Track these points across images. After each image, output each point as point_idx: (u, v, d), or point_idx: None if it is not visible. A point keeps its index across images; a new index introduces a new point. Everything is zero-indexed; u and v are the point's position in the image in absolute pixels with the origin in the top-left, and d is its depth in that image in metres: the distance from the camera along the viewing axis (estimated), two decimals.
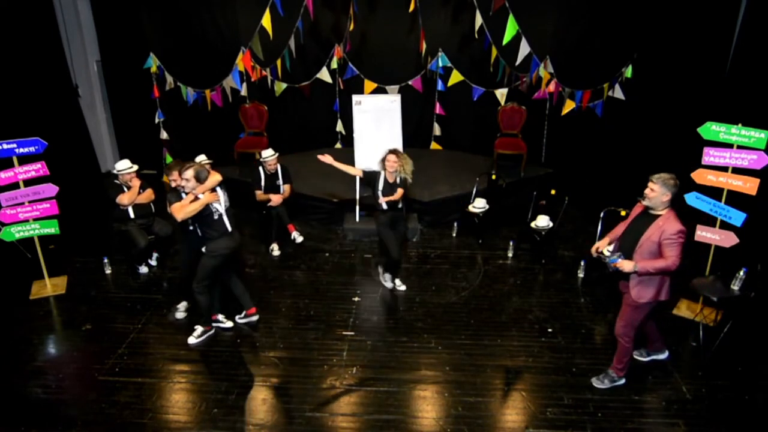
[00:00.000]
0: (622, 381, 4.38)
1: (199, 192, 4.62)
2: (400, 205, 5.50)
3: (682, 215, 5.43)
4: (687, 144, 5.72)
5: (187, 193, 4.65)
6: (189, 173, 4.56)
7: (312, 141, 9.42)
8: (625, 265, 3.88)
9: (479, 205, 6.90)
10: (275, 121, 8.67)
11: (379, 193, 5.41)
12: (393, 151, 5.40)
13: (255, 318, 5.24)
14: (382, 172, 5.43)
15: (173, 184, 4.99)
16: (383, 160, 5.41)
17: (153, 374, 4.56)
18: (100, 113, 9.20)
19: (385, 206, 5.43)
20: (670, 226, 3.80)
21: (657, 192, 3.86)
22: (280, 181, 6.62)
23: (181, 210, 4.50)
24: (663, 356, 4.65)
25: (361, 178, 5.60)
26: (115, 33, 8.51)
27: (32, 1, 6.90)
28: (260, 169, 6.58)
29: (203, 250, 4.71)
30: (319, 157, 5.47)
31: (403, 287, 5.82)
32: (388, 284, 5.86)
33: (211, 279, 4.84)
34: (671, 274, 3.92)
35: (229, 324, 5.19)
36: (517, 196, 7.54)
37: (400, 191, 5.41)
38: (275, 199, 6.54)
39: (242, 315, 5.26)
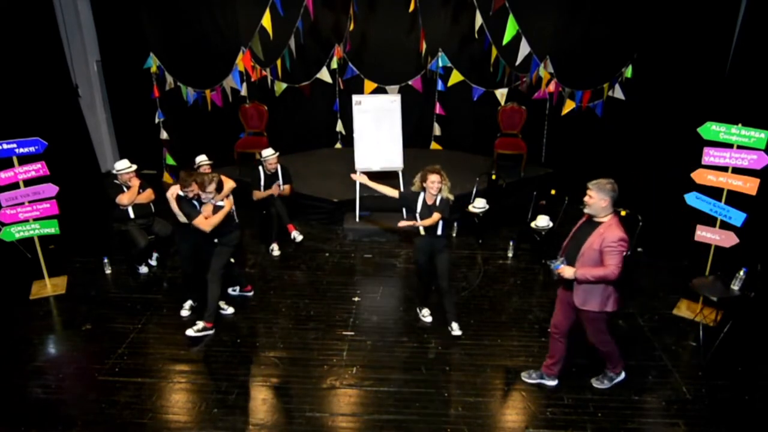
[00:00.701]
0: (622, 376, 4.36)
1: (218, 200, 4.99)
2: (439, 232, 4.82)
3: (682, 215, 5.50)
4: (687, 144, 5.72)
5: (203, 202, 4.93)
6: (212, 187, 4.88)
7: (312, 141, 9.42)
8: (566, 271, 3.83)
9: (479, 205, 6.90)
10: (275, 121, 8.67)
11: (418, 216, 4.78)
12: (434, 171, 4.71)
13: (250, 294, 5.67)
14: (422, 193, 4.80)
15: (190, 195, 4.93)
16: (423, 179, 4.75)
17: (153, 374, 4.56)
18: (100, 113, 9.20)
19: (422, 231, 4.85)
20: (610, 234, 3.69)
21: (595, 198, 3.74)
22: (280, 181, 6.62)
23: (210, 223, 4.88)
24: (552, 383, 4.37)
25: (397, 199, 4.93)
26: (115, 33, 8.51)
27: (32, 1, 6.90)
28: (260, 168, 6.58)
29: (216, 241, 5.03)
30: (353, 176, 5.26)
31: (458, 332, 4.98)
32: (427, 318, 5.25)
33: (226, 267, 5.16)
34: (612, 284, 3.79)
35: (230, 310, 5.44)
36: (517, 196, 7.54)
37: (436, 215, 4.68)
38: (274, 190, 6.53)
39: (236, 290, 5.59)
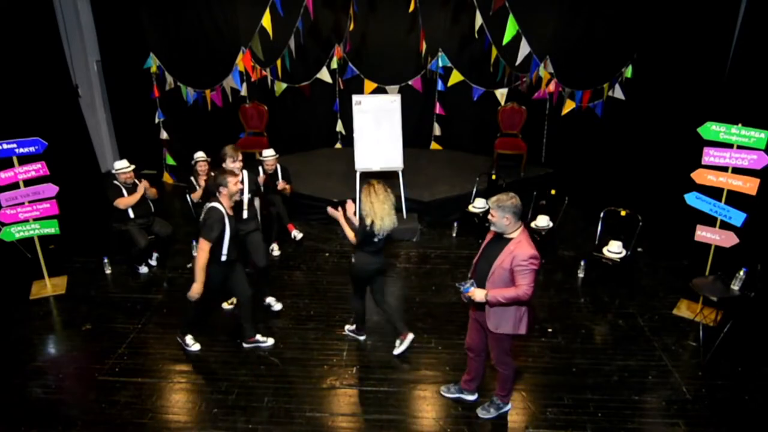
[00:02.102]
0: (508, 407, 4.13)
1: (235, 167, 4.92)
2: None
3: (683, 215, 5.51)
4: (687, 144, 5.72)
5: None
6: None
7: (312, 141, 9.43)
8: (476, 294, 3.59)
9: (479, 205, 6.90)
10: (275, 121, 8.68)
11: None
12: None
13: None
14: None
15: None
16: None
17: (153, 374, 4.56)
18: (100, 113, 9.20)
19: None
20: (521, 252, 3.49)
21: (496, 216, 3.56)
22: (280, 181, 6.62)
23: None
24: (470, 398, 4.25)
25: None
26: (115, 33, 8.51)
27: (32, 1, 6.90)
28: (259, 168, 6.58)
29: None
30: (330, 210, 4.78)
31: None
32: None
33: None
34: (525, 304, 3.62)
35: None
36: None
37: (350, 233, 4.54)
38: (279, 185, 6.51)
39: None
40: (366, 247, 4.45)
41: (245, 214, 5.12)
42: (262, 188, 5.81)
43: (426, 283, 5.94)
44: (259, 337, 4.89)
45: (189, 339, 4.88)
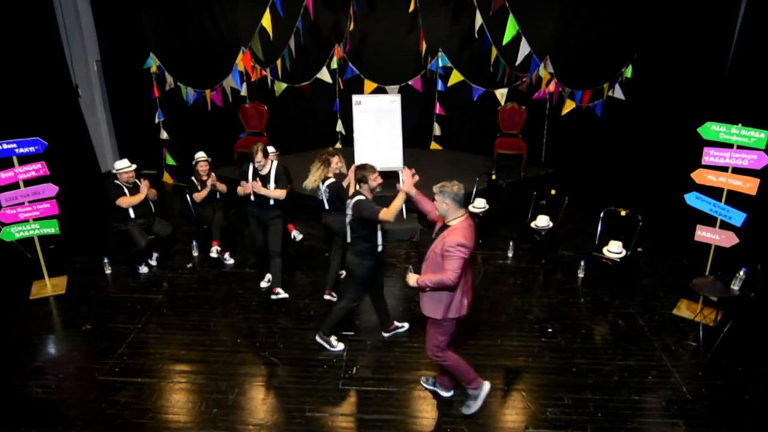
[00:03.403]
0: (484, 388, 4.05)
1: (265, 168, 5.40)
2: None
3: (683, 215, 5.51)
4: (687, 144, 5.72)
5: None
6: (259, 156, 5.27)
7: (312, 141, 9.42)
8: (410, 279, 3.70)
9: (479, 205, 6.90)
10: (275, 121, 8.68)
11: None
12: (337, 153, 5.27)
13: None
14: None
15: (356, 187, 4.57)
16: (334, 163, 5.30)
17: (153, 374, 4.56)
18: (100, 113, 9.20)
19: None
20: (451, 238, 3.52)
21: (438, 201, 3.64)
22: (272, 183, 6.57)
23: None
24: (446, 394, 4.28)
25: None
26: (115, 33, 8.52)
27: (32, 1, 6.91)
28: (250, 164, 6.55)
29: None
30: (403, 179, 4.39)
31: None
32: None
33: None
34: (450, 290, 3.63)
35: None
36: (517, 196, 7.54)
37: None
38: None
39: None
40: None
41: (271, 201, 5.41)
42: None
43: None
44: (333, 339, 4.86)
45: (334, 340, 4.86)
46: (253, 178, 5.41)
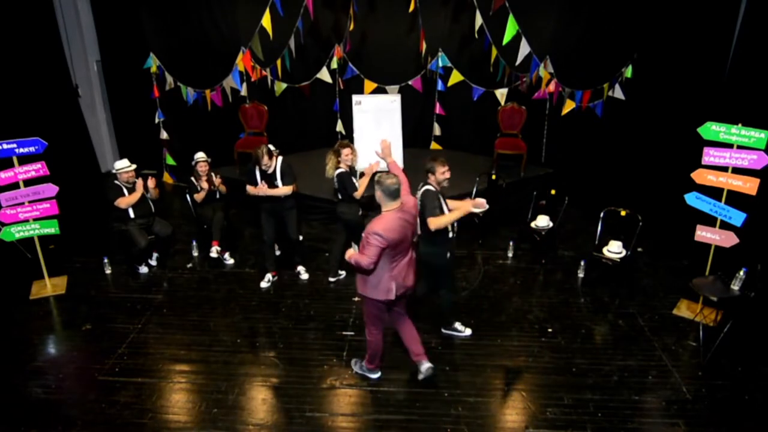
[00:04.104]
0: (375, 376, 4.44)
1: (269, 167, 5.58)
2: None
3: (683, 215, 5.50)
4: (687, 144, 5.72)
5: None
6: (266, 158, 5.45)
7: (312, 141, 9.42)
8: (347, 253, 3.97)
9: None
10: (275, 121, 8.67)
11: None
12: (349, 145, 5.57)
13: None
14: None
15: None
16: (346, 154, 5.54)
17: (153, 374, 4.56)
18: (100, 113, 9.20)
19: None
20: (371, 225, 3.74)
21: (376, 190, 3.85)
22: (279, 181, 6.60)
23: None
24: (373, 376, 4.46)
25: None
26: (115, 33, 8.51)
27: (32, 1, 6.90)
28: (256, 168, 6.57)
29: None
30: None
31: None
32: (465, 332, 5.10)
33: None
34: (365, 272, 3.86)
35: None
36: (517, 196, 7.54)
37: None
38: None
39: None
40: None
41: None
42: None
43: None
44: (458, 325, 5.04)
45: (459, 325, 5.04)
46: (261, 179, 5.55)
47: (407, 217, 3.88)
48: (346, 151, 5.53)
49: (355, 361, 4.59)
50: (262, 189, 5.54)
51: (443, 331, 5.06)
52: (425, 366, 4.27)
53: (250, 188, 5.64)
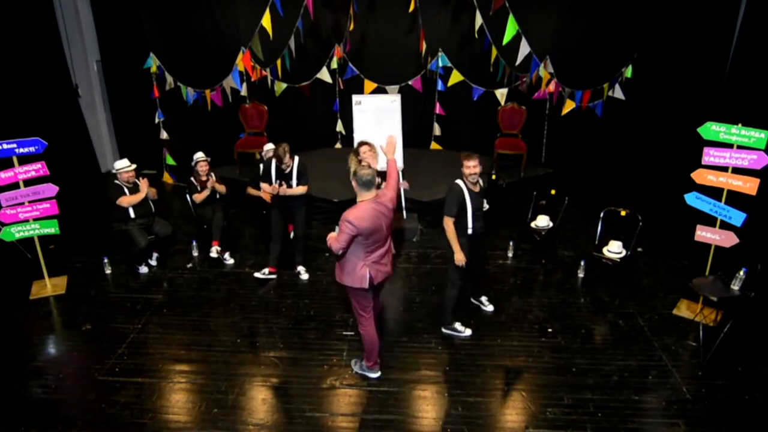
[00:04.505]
0: (374, 375, 4.48)
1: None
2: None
3: (683, 215, 5.50)
4: (687, 144, 5.72)
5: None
6: (287, 158, 5.55)
7: (312, 141, 9.42)
8: (330, 236, 4.08)
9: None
10: (275, 121, 8.67)
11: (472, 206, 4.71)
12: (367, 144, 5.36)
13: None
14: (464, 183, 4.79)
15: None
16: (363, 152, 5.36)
17: (153, 374, 4.56)
18: (100, 113, 9.20)
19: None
20: (345, 213, 3.90)
21: (352, 180, 4.03)
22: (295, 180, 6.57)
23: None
24: (373, 375, 4.49)
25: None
26: (115, 33, 8.52)
27: (32, 1, 6.90)
28: (260, 166, 6.57)
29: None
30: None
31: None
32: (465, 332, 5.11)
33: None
34: (337, 257, 4.05)
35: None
36: (517, 196, 7.54)
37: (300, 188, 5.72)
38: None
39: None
40: None
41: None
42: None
43: (426, 283, 5.94)
44: (458, 325, 5.04)
45: (459, 325, 5.03)
46: (276, 178, 5.62)
47: (381, 208, 4.01)
48: (363, 149, 5.44)
49: (355, 361, 4.62)
50: (280, 189, 5.58)
51: (443, 330, 5.06)
52: (375, 375, 4.49)
53: (265, 186, 5.69)
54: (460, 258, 4.63)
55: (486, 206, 6.83)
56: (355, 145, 5.66)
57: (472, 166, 4.66)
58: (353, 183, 4.01)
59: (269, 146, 6.57)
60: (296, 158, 5.72)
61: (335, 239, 3.93)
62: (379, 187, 4.26)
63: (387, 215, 4.08)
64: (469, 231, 4.72)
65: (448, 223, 4.66)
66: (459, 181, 4.72)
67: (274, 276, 6.01)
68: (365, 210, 3.92)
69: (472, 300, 5.49)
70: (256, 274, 5.96)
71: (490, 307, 5.42)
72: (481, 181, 4.88)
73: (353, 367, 4.58)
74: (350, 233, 3.86)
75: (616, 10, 7.33)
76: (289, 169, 5.64)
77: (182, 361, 4.73)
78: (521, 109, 8.07)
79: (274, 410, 4.17)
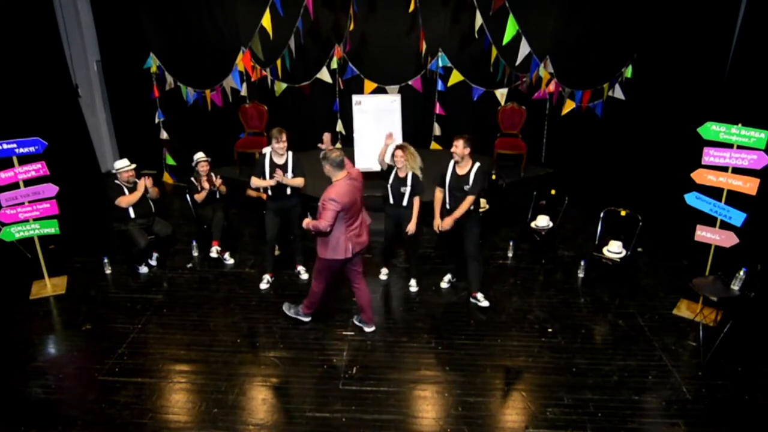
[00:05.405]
0: (307, 319, 5.15)
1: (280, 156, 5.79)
2: (405, 203, 5.40)
3: (683, 215, 5.50)
4: (687, 144, 5.72)
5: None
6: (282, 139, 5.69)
7: (312, 141, 9.40)
8: (304, 222, 4.55)
9: (480, 205, 6.88)
10: (275, 121, 8.63)
11: (388, 186, 5.46)
12: (400, 147, 5.39)
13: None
14: (395, 167, 5.42)
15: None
16: (392, 155, 5.41)
17: (153, 374, 4.56)
18: (100, 113, 9.20)
19: (392, 200, 5.50)
20: (326, 193, 4.35)
21: (324, 166, 4.48)
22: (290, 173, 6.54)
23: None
24: (369, 329, 5.07)
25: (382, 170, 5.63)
26: (115, 33, 8.51)
27: (32, 1, 6.90)
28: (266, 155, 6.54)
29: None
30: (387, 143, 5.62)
31: (415, 288, 5.84)
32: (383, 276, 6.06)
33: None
34: (324, 234, 4.46)
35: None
36: (517, 196, 7.53)
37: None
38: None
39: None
40: None
41: (288, 191, 5.69)
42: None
43: (426, 283, 5.94)
44: (479, 295, 5.52)
45: (480, 296, 5.52)
46: (271, 172, 5.55)
47: (355, 183, 4.52)
48: (397, 153, 5.36)
49: (289, 306, 5.17)
50: (279, 176, 5.44)
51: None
52: (369, 329, 5.07)
53: (260, 182, 5.58)
54: (436, 223, 5.28)
55: (486, 206, 6.86)
56: (356, 143, 5.72)
57: (453, 146, 5.10)
58: (326, 167, 4.44)
59: (268, 149, 6.56)
60: (290, 153, 5.71)
61: (321, 219, 4.33)
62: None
63: (360, 188, 4.59)
64: (447, 206, 5.27)
65: (436, 193, 5.35)
66: (452, 162, 5.21)
67: (273, 278, 6.00)
68: (342, 186, 4.39)
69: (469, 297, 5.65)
70: (262, 286, 5.89)
71: (484, 303, 5.55)
72: (474, 173, 5.12)
73: (287, 312, 5.15)
74: (335, 209, 4.30)
75: (616, 10, 7.33)
76: (283, 161, 5.60)
77: (182, 361, 4.73)
78: (521, 109, 8.07)
79: (274, 410, 4.18)
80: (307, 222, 4.50)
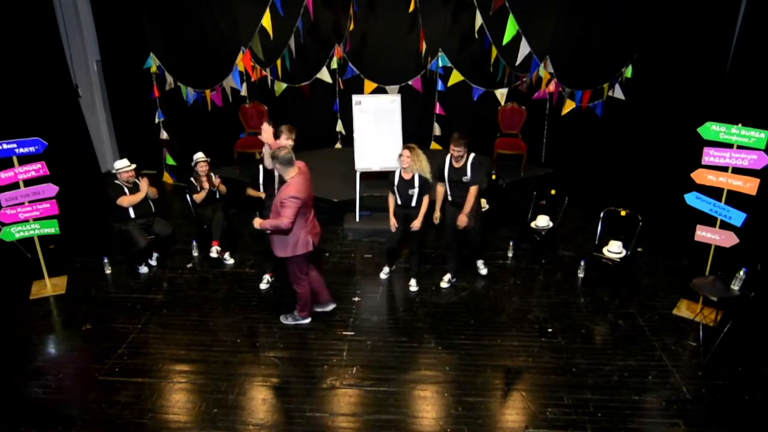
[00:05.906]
0: (306, 321, 5.17)
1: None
2: (414, 203, 5.43)
3: (683, 215, 5.51)
4: (687, 144, 5.72)
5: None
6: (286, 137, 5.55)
7: (312, 141, 9.41)
8: (255, 222, 4.63)
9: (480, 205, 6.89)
10: (275, 121, 8.60)
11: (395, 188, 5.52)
12: (407, 147, 5.37)
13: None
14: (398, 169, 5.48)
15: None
16: (399, 156, 5.42)
17: (153, 374, 4.56)
18: (100, 113, 9.19)
19: (399, 201, 5.55)
20: (285, 192, 4.42)
21: (275, 166, 4.64)
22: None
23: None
24: (329, 308, 5.32)
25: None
26: (115, 33, 8.50)
27: (32, 1, 6.90)
28: (260, 166, 6.57)
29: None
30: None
31: (415, 288, 5.86)
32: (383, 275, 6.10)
33: None
34: (286, 232, 4.53)
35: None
36: (517, 196, 7.53)
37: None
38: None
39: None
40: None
41: None
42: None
43: (426, 283, 5.94)
44: (480, 263, 6.01)
45: (480, 263, 6.04)
46: (264, 180, 5.55)
47: (307, 175, 4.65)
48: (404, 152, 5.35)
49: (285, 316, 5.20)
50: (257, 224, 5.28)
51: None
52: (331, 306, 5.33)
53: (265, 184, 5.69)
54: (435, 215, 5.52)
55: (486, 206, 6.86)
56: (356, 143, 5.70)
57: (451, 148, 5.28)
58: (277, 166, 4.55)
59: (267, 149, 6.55)
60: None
61: (281, 218, 4.39)
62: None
63: (310, 180, 4.71)
64: (449, 198, 5.48)
65: (437, 187, 5.52)
66: (448, 156, 5.40)
67: (273, 278, 6.00)
68: (299, 182, 4.51)
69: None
70: (262, 286, 5.90)
71: (484, 270, 6.09)
72: (470, 163, 5.33)
73: (285, 321, 5.16)
74: (296, 206, 4.40)
75: (615, 11, 7.33)
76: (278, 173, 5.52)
77: (182, 361, 4.73)
78: (521, 109, 8.07)
79: (274, 410, 4.18)
80: (261, 222, 4.58)
